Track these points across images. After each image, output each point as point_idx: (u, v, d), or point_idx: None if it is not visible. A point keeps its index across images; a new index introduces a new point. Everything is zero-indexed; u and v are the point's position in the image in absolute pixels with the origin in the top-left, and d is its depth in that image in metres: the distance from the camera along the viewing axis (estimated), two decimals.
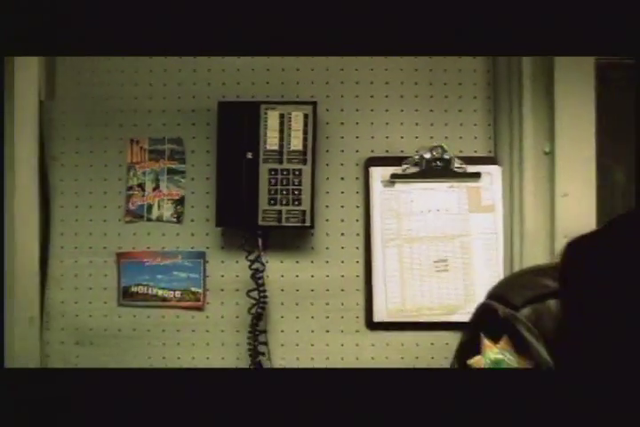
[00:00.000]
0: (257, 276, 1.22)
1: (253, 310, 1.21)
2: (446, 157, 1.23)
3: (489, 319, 0.64)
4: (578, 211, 1.16)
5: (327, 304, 1.26)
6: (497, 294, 0.65)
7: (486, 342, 0.62)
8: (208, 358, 1.27)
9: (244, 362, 1.25)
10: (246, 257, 1.23)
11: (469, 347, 0.64)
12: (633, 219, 0.62)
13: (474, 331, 0.64)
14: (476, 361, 0.62)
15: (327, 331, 1.26)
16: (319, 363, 1.25)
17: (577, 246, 0.63)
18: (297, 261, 1.26)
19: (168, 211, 1.27)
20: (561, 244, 0.69)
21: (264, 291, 1.23)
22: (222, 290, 1.26)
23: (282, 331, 1.26)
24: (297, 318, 1.26)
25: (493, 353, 0.61)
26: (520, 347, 0.60)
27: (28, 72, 1.21)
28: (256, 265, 1.22)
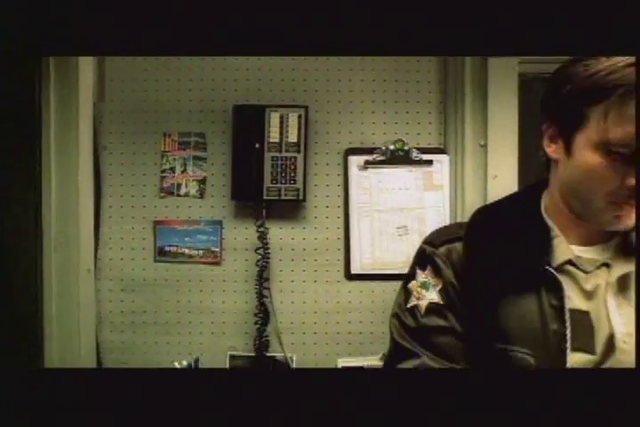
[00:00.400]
0: (262, 238, 1.59)
1: (259, 263, 1.58)
2: (406, 148, 1.60)
3: (420, 256, 0.93)
4: (504, 189, 1.50)
5: (315, 260, 1.63)
6: (427, 239, 0.96)
7: (418, 271, 0.92)
8: (223, 301, 1.63)
9: (251, 304, 1.61)
10: (254, 224, 1.60)
11: (409, 276, 0.93)
12: (512, 198, 0.94)
13: (412, 265, 0.95)
14: (412, 285, 0.91)
15: (315, 281, 1.63)
16: (309, 305, 1.62)
17: (479, 211, 0.96)
18: (292, 227, 1.63)
19: (193, 188, 1.63)
20: None
21: (267, 249, 1.60)
22: (235, 249, 1.63)
23: (280, 281, 1.63)
24: (292, 270, 1.63)
25: (421, 278, 0.91)
26: (437, 272, 0.89)
27: (86, 79, 1.54)
28: (261, 230, 1.59)
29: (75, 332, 1.53)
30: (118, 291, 1.65)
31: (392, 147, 1.60)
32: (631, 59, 0.74)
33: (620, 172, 0.75)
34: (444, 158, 1.61)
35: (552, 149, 0.83)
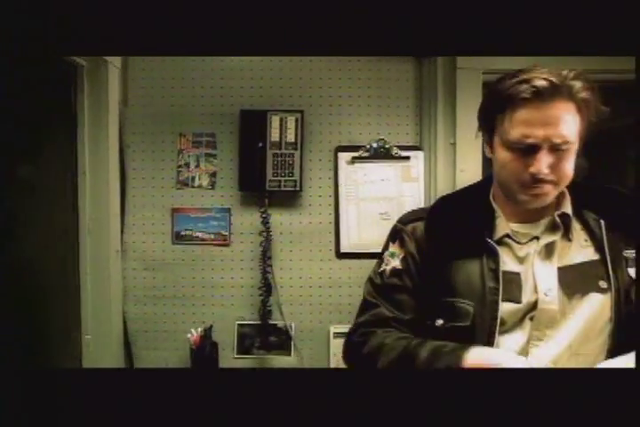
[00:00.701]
0: (265, 223, 1.85)
1: (263, 244, 1.85)
2: (387, 146, 1.87)
3: (392, 232, 1.18)
4: (470, 180, 1.74)
5: (310, 242, 1.90)
6: (399, 219, 1.20)
7: (390, 243, 1.16)
8: (232, 278, 1.90)
9: (256, 280, 1.88)
10: (258, 211, 1.86)
11: (384, 248, 1.18)
12: (469, 188, 1.18)
13: (387, 239, 1.19)
14: (385, 254, 1.15)
15: (310, 259, 1.90)
16: (305, 280, 1.89)
17: (441, 198, 1.21)
18: (290, 214, 1.89)
19: (205, 181, 1.89)
20: None
21: (270, 232, 1.86)
22: (242, 233, 1.89)
23: (281, 259, 1.89)
24: (290, 251, 1.89)
25: (392, 249, 1.14)
26: (402, 244, 1.13)
27: (113, 87, 1.79)
28: (264, 216, 1.85)
29: (105, 304, 1.79)
30: (141, 269, 1.91)
31: (375, 145, 1.87)
32: (522, 76, 0.96)
33: (522, 163, 0.98)
34: (420, 155, 1.88)
35: (487, 151, 1.08)
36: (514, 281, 1.03)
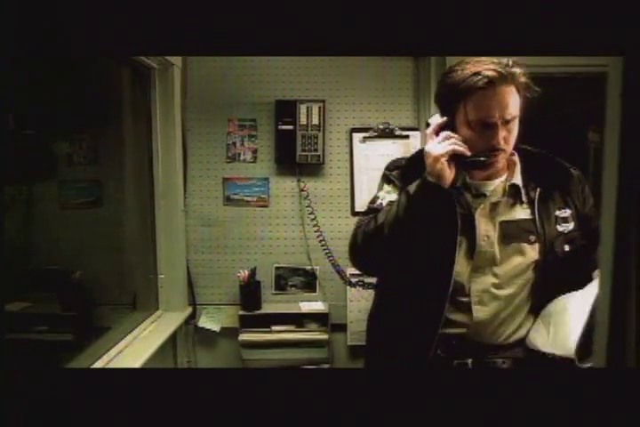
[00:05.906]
0: (299, 188, 2.37)
1: (306, 202, 2.37)
2: (391, 127, 2.36)
3: (384, 176, 1.44)
4: None
5: (331, 203, 2.41)
6: (386, 166, 1.48)
7: (384, 185, 1.42)
8: (270, 231, 2.42)
9: (289, 233, 2.40)
10: (291, 179, 2.38)
11: (378, 190, 1.46)
12: None
13: (380, 183, 1.45)
14: (381, 193, 1.43)
15: (331, 217, 2.41)
16: (327, 233, 2.39)
17: (419, 150, 1.61)
18: (315, 181, 2.40)
19: (248, 156, 2.40)
20: None
21: (305, 192, 2.37)
22: (277, 196, 2.41)
23: (308, 216, 2.41)
24: (316, 210, 2.41)
25: (387, 188, 1.41)
26: (395, 184, 1.39)
27: (176, 84, 2.30)
28: (296, 182, 2.37)
29: (174, 251, 2.33)
30: (199, 226, 2.43)
31: (381, 126, 2.36)
32: (473, 69, 1.15)
33: (483, 137, 1.20)
34: (417, 134, 2.37)
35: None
36: (465, 221, 1.28)
